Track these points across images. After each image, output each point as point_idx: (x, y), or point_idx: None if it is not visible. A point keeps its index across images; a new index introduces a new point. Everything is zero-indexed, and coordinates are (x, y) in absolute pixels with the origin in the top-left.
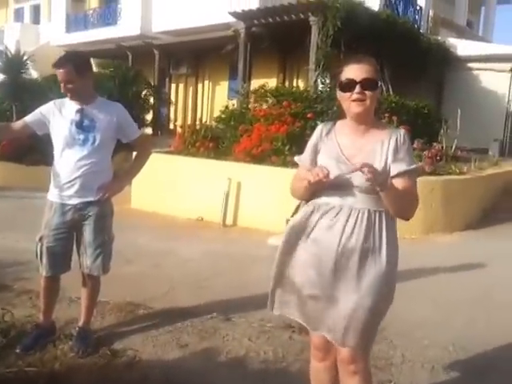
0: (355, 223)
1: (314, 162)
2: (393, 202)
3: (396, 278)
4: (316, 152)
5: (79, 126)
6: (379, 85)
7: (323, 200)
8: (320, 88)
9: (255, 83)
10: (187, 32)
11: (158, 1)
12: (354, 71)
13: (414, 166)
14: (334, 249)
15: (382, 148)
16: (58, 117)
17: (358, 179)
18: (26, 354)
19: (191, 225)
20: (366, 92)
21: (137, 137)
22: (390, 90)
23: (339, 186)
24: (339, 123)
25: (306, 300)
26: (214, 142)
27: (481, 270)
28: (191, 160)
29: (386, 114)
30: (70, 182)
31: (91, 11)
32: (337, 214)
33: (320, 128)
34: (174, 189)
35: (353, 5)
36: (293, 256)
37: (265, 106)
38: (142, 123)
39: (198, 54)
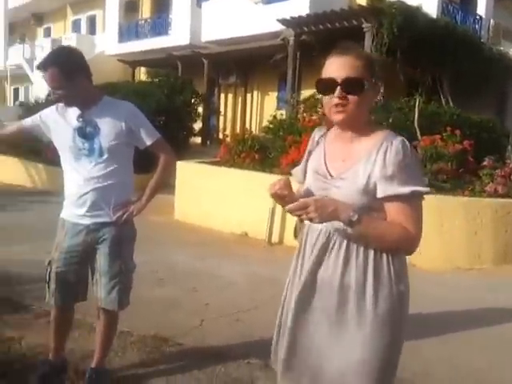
0: (331, 250)
1: (305, 174)
2: (369, 239)
3: (399, 327)
4: (307, 162)
5: (82, 134)
6: (367, 86)
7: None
8: None
9: (305, 93)
10: (236, 41)
11: (208, 11)
12: (334, 67)
13: (408, 189)
14: (303, 282)
15: (367, 162)
16: (61, 124)
17: (338, 196)
18: None
19: (235, 240)
20: (349, 96)
21: (152, 142)
22: (450, 101)
23: None
24: (333, 127)
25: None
26: (260, 152)
27: None
28: (236, 171)
29: (448, 128)
30: (79, 198)
31: (143, 21)
32: (316, 238)
33: (313, 133)
34: (218, 201)
35: (410, 10)
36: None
37: (314, 117)
38: (190, 132)
39: (246, 64)
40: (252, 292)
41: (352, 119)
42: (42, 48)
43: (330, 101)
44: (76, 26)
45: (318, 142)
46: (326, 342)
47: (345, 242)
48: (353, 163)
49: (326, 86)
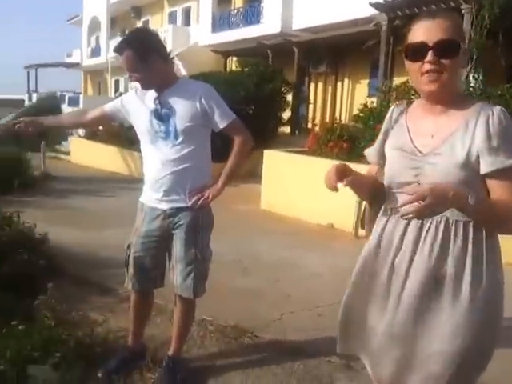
0: (425, 237)
1: (382, 156)
2: (487, 221)
3: (495, 322)
4: (385, 142)
5: (158, 116)
6: (462, 49)
7: (393, 204)
8: (472, 85)
9: (398, 80)
10: (327, 28)
11: None
12: (424, 31)
13: None
14: (395, 272)
15: (465, 134)
16: (140, 107)
17: (431, 177)
18: (107, 380)
19: (320, 232)
20: (443, 61)
21: (226, 124)
22: None
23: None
24: (415, 103)
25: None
26: (349, 142)
27: None
28: (323, 161)
29: None
30: (156, 182)
31: (235, 11)
32: (404, 227)
33: (390, 111)
34: (304, 191)
35: None
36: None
37: None
38: (279, 122)
39: (337, 51)
40: (336, 286)
41: (445, 88)
42: None
43: (421, 68)
44: (172, 18)
45: (396, 120)
46: (419, 331)
47: (441, 229)
48: (446, 137)
49: (416, 52)
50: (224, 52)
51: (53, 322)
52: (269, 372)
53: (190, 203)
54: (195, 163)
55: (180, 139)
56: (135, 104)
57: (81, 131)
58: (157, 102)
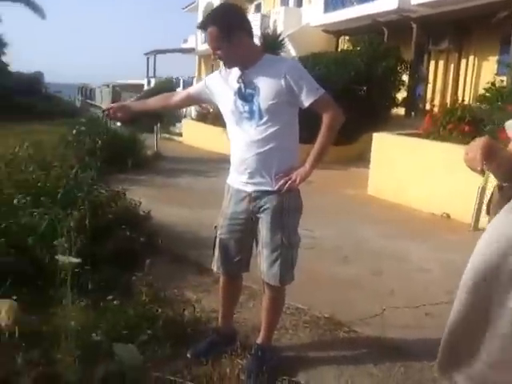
0: None
1: None
2: None
3: None
4: None
5: (242, 96)
6: None
7: None
8: None
9: None
10: (449, 1)
11: None
12: None
13: None
14: None
15: None
16: (224, 88)
17: None
18: (195, 362)
19: (433, 222)
20: None
21: (313, 100)
22: None
23: None
24: None
25: None
26: (472, 124)
27: None
28: (440, 145)
29: None
30: (241, 164)
31: None
32: None
33: None
34: (417, 177)
35: None
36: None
37: None
38: (392, 103)
39: (461, 26)
40: (446, 283)
41: None
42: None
43: None
44: (284, 0)
45: None
46: None
47: None
48: None
49: None
50: (336, 32)
51: (147, 299)
52: (364, 371)
53: (276, 187)
54: (281, 144)
55: (265, 119)
56: (219, 85)
57: (193, 113)
58: (240, 80)
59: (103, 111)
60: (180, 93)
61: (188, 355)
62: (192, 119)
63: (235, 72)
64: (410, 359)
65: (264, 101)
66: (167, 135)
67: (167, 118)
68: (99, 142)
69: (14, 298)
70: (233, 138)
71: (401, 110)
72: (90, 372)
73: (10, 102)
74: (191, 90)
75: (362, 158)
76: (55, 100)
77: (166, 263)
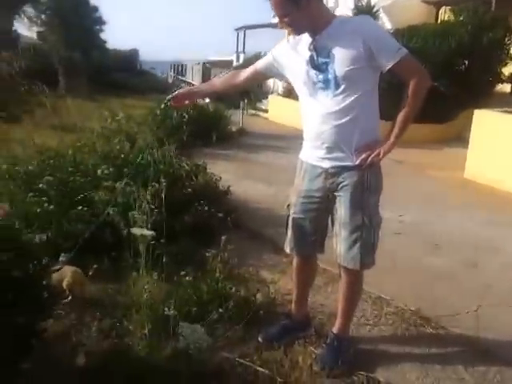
0: None
1: None
2: None
3: None
4: None
5: (314, 65)
6: None
7: None
8: None
9: None
10: None
11: None
12: None
13: None
14: None
15: None
16: (293, 58)
17: None
18: (266, 346)
19: None
20: None
21: (395, 62)
22: None
23: None
24: None
25: None
26: None
27: None
28: None
29: None
30: (317, 139)
31: None
32: None
33: None
34: None
35: None
36: None
37: None
38: (497, 78)
39: None
40: None
41: None
42: None
43: None
44: None
45: None
46: None
47: None
48: None
49: None
50: (436, 2)
51: (221, 276)
52: (453, 374)
53: (356, 161)
54: (361, 114)
55: (342, 88)
56: (288, 55)
57: (280, 89)
58: (311, 47)
59: (167, 100)
60: (247, 70)
61: (259, 339)
62: (278, 95)
63: (305, 39)
64: (508, 365)
65: (340, 68)
66: (253, 111)
67: (254, 94)
68: (186, 116)
69: (95, 266)
70: (307, 110)
71: (506, 87)
72: (159, 348)
73: (107, 78)
74: (258, 64)
75: (460, 138)
76: (149, 76)
77: (242, 240)
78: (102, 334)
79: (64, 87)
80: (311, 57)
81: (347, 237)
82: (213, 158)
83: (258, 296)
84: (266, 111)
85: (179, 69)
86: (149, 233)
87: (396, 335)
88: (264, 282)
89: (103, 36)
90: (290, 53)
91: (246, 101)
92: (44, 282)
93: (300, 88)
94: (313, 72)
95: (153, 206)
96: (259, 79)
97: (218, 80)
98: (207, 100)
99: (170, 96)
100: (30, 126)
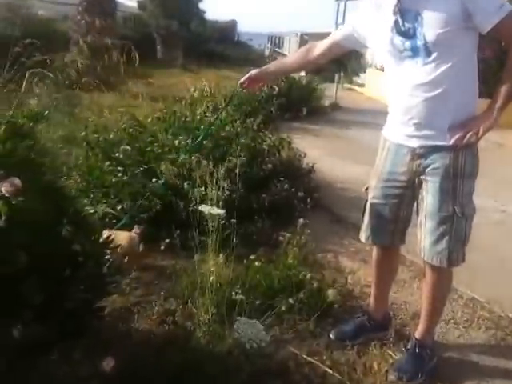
0: None
1: None
2: None
3: None
4: None
5: (400, 30)
6: None
7: None
8: None
9: None
10: None
11: None
12: None
13: None
14: None
15: None
16: (375, 25)
17: None
18: (338, 345)
19: None
20: None
21: (496, 23)
22: None
23: None
24: None
25: None
26: None
27: None
28: None
29: None
30: (405, 114)
31: None
32: None
33: None
34: None
35: None
36: None
37: None
38: None
39: None
40: None
41: None
42: None
43: None
44: None
45: None
46: None
47: None
48: None
49: None
50: None
51: (295, 261)
52: None
53: (451, 141)
54: (457, 85)
55: (433, 55)
56: (369, 22)
57: (378, 63)
58: (396, 10)
59: (240, 84)
60: (323, 43)
61: (331, 335)
62: (376, 69)
63: (388, 2)
64: None
65: (430, 32)
66: (349, 85)
67: (351, 68)
68: (276, 88)
69: (167, 240)
70: (392, 82)
71: None
72: (221, 337)
73: (204, 49)
74: (336, 36)
75: None
76: (245, 48)
77: (322, 223)
78: (165, 315)
79: (161, 57)
80: (396, 22)
81: (434, 229)
82: (301, 132)
83: (330, 292)
84: (362, 86)
85: (276, 41)
86: (218, 211)
87: (489, 344)
88: (342, 270)
89: (202, 6)
90: (372, 19)
91: (341, 74)
92: (104, 258)
93: (385, 58)
94: (398, 39)
95: (227, 183)
96: (337, 52)
97: (292, 57)
98: (302, 73)
99: (243, 78)
100: (124, 94)
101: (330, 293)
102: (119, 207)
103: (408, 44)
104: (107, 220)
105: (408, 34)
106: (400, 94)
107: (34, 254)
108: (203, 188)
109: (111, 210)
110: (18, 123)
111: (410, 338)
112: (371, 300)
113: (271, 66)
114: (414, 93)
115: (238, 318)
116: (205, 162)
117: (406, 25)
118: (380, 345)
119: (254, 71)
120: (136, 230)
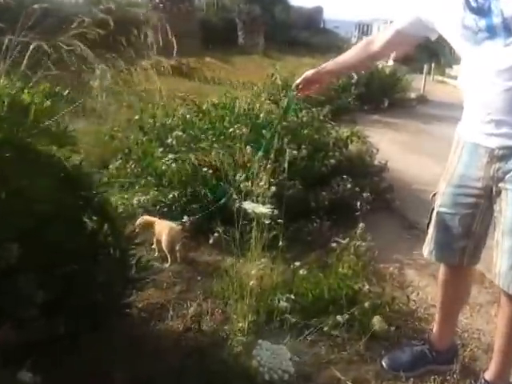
0: None
1: None
2: None
3: None
4: None
5: (472, 7)
6: None
7: None
8: None
9: None
10: None
11: None
12: None
13: None
14: None
15: None
16: (443, 6)
17: None
18: (390, 375)
19: None
20: None
21: None
22: None
23: None
24: None
25: None
26: None
27: None
28: None
29: None
30: (484, 107)
31: None
32: None
33: None
34: None
35: None
36: None
37: None
38: None
39: None
40: None
41: None
42: None
43: None
44: None
45: None
46: None
47: None
48: None
49: None
50: None
51: (350, 272)
52: None
53: None
54: None
55: None
56: (436, 4)
57: None
58: None
59: (296, 86)
60: (385, 33)
61: (383, 363)
62: None
63: None
64: None
65: (509, 5)
66: (441, 77)
67: (444, 58)
68: (355, 77)
69: (215, 234)
70: (467, 70)
71: None
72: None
73: (287, 36)
74: (399, 24)
75: None
76: (331, 35)
77: (391, 229)
78: (200, 316)
79: (242, 42)
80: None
81: (510, 249)
82: (380, 126)
83: (376, 320)
84: (455, 78)
85: (364, 28)
86: (264, 210)
87: None
88: (406, 285)
89: None
90: (439, 0)
91: (433, 65)
92: (129, 252)
93: (458, 43)
94: (471, 17)
95: (283, 177)
96: (401, 42)
97: (351, 52)
98: (390, 62)
99: (299, 80)
100: (200, 80)
101: (376, 321)
102: (170, 195)
103: (483, 23)
104: (158, 208)
105: (482, 11)
106: (476, 83)
107: (30, 247)
108: (256, 182)
109: (162, 198)
110: (24, 100)
111: (480, 378)
112: (435, 326)
113: (328, 65)
114: (493, 81)
115: (260, 341)
116: (259, 154)
117: (479, 1)
118: (441, 380)
119: (309, 71)
120: (185, 220)
